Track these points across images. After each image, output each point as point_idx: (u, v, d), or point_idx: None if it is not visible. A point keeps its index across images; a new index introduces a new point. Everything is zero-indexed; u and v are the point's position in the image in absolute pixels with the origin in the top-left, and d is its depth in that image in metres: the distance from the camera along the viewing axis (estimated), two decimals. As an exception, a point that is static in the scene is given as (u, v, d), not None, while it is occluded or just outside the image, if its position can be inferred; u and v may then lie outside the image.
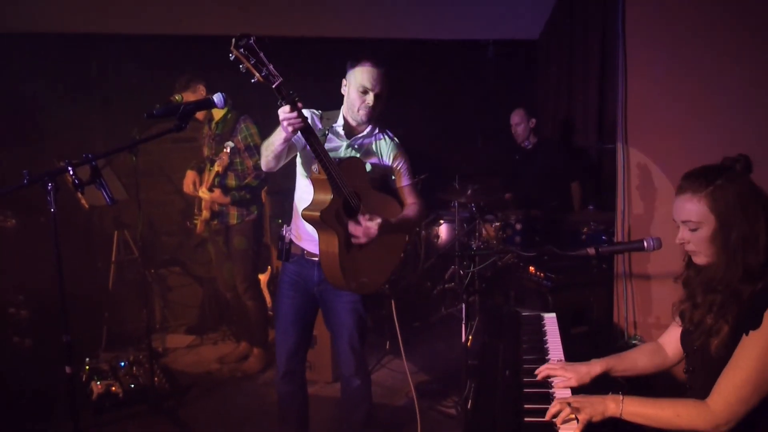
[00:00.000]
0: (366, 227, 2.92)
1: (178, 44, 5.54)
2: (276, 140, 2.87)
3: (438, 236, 5.76)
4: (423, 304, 5.78)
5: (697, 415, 1.94)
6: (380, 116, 3.15)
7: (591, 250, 2.62)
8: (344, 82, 3.10)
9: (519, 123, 5.70)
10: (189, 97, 4.43)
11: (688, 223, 2.05)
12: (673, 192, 3.54)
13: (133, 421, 4.13)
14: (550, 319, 2.99)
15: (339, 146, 3.10)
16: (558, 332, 2.82)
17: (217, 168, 4.40)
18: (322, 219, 2.86)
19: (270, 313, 5.40)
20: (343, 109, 3.13)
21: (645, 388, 2.71)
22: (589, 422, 2.01)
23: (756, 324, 1.89)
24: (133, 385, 4.31)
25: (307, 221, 2.97)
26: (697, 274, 2.15)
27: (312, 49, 5.96)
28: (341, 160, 2.91)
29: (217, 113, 4.62)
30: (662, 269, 3.85)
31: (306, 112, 3.11)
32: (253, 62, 2.59)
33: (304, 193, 3.11)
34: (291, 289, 3.22)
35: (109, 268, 5.42)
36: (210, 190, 4.52)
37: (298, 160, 3.15)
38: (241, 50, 2.57)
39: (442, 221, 5.76)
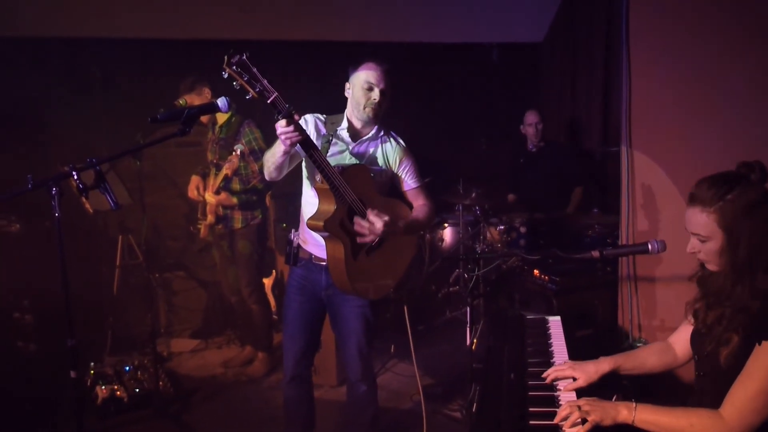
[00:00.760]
0: (372, 222, 2.92)
1: (182, 48, 5.54)
2: (276, 152, 2.88)
3: (442, 239, 5.75)
4: (428, 308, 5.77)
5: (710, 425, 1.93)
6: (384, 119, 3.15)
7: (595, 253, 2.61)
8: (347, 85, 3.10)
9: (533, 123, 5.68)
10: (194, 99, 4.43)
11: (698, 236, 2.04)
12: (677, 194, 3.55)
13: (137, 425, 4.13)
14: (554, 322, 2.98)
15: (344, 150, 3.10)
16: (563, 335, 2.82)
17: (226, 171, 4.41)
18: (326, 229, 2.87)
19: (274, 317, 5.41)
20: (348, 112, 3.13)
21: (650, 393, 2.71)
22: (598, 425, 2.00)
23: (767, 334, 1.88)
24: (137, 390, 4.31)
25: (312, 230, 2.98)
26: (711, 275, 2.14)
27: (315, 53, 5.97)
28: (344, 169, 2.91)
29: (221, 117, 4.63)
30: (667, 272, 3.83)
31: (310, 117, 3.12)
32: (246, 79, 2.59)
33: (310, 197, 3.12)
34: (298, 294, 3.22)
35: (114, 272, 5.42)
36: (216, 193, 4.52)
37: (304, 164, 3.15)
38: (234, 67, 2.58)
39: (446, 224, 5.75)
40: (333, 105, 3.19)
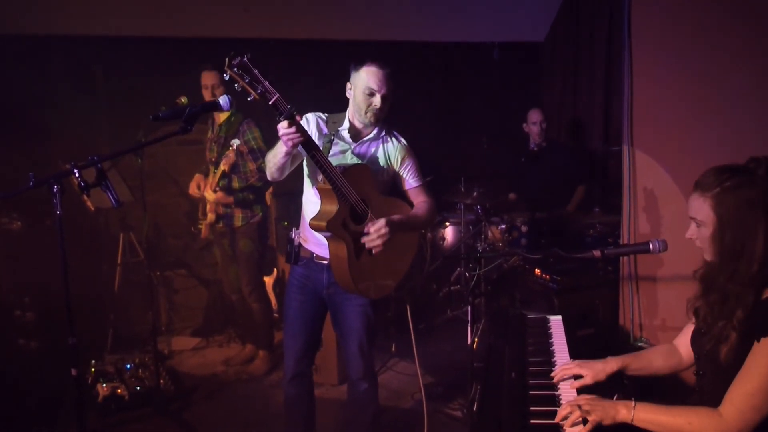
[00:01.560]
0: (377, 229, 2.92)
1: (185, 46, 5.54)
2: (278, 153, 2.88)
3: (444, 238, 5.76)
4: (429, 306, 5.77)
5: (709, 423, 1.93)
6: (386, 118, 3.14)
7: (597, 253, 2.61)
8: (349, 85, 3.09)
9: (538, 121, 5.67)
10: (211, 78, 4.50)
11: (695, 220, 2.06)
12: (678, 194, 3.55)
13: (138, 423, 4.14)
14: (555, 322, 2.99)
15: (345, 150, 3.09)
16: (564, 334, 2.82)
17: (223, 167, 4.42)
18: (329, 229, 2.87)
19: (275, 315, 5.41)
20: (349, 112, 3.12)
21: (650, 392, 2.70)
22: (599, 425, 2.00)
23: (766, 331, 1.88)
24: (138, 388, 4.32)
25: (314, 230, 2.98)
26: (710, 270, 2.14)
27: (317, 52, 5.96)
28: (346, 169, 2.91)
29: (221, 116, 4.64)
30: (668, 271, 3.84)
31: (311, 116, 3.12)
32: (247, 81, 2.60)
33: (311, 196, 3.11)
34: (299, 292, 3.22)
35: (115, 270, 5.43)
36: (214, 190, 4.53)
37: (305, 163, 3.15)
38: (235, 69, 2.59)
39: (447, 223, 5.75)
40: (335, 104, 3.18)
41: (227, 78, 2.61)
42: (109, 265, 5.53)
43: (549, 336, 2.82)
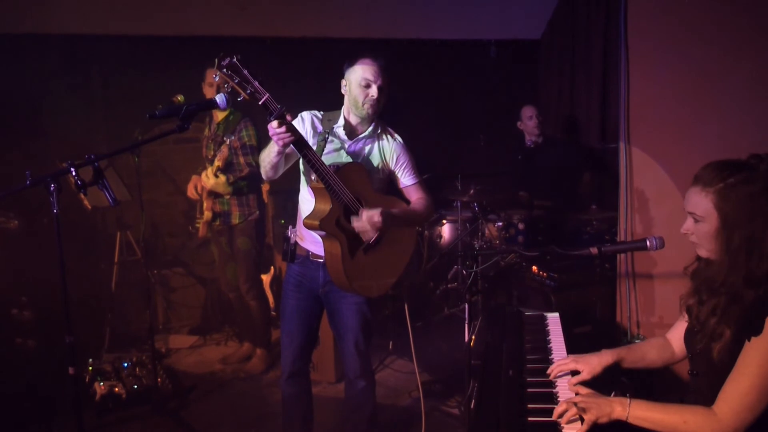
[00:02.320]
0: (369, 217, 2.90)
1: (181, 45, 5.53)
2: (271, 152, 2.89)
3: (441, 236, 5.75)
4: (426, 304, 5.77)
5: (704, 422, 1.93)
6: (382, 115, 3.14)
7: (594, 250, 2.61)
8: (344, 82, 3.09)
9: (532, 115, 5.67)
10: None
11: (694, 215, 2.05)
12: (675, 191, 3.55)
13: (136, 421, 4.14)
14: (553, 319, 2.99)
15: (340, 148, 3.09)
16: (561, 332, 2.82)
17: (217, 163, 4.43)
18: (322, 227, 2.87)
19: (273, 313, 5.41)
20: (344, 110, 3.12)
21: (647, 390, 2.71)
22: (595, 423, 2.00)
23: (758, 330, 1.88)
24: (136, 386, 4.31)
25: (308, 229, 2.98)
26: (705, 267, 2.14)
27: (314, 50, 5.96)
28: (339, 168, 2.91)
29: (219, 114, 4.65)
30: (665, 268, 3.84)
31: (306, 114, 3.12)
32: (237, 81, 2.62)
33: (307, 194, 3.11)
34: (296, 291, 3.22)
35: (112, 269, 5.42)
36: (215, 175, 4.52)
37: (302, 162, 3.15)
38: (224, 70, 2.61)
39: (444, 221, 5.75)
40: (331, 101, 3.18)
41: (217, 79, 2.63)
42: (106, 263, 5.53)
43: (546, 333, 2.82)
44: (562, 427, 2.01)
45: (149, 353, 4.42)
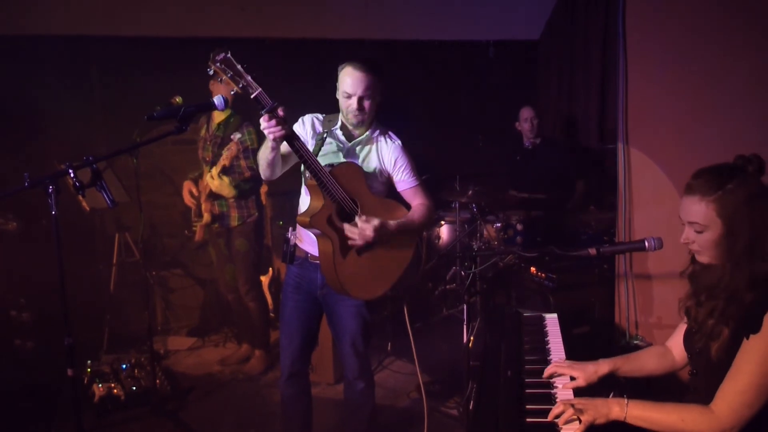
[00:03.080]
0: (362, 229, 2.90)
1: (180, 46, 5.53)
2: (266, 148, 2.89)
3: (439, 237, 5.76)
4: (424, 305, 5.77)
5: (702, 420, 1.93)
6: (380, 118, 3.14)
7: (592, 251, 2.61)
8: (338, 86, 3.10)
9: (529, 117, 5.67)
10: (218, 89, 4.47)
11: (694, 225, 2.03)
12: (674, 192, 3.55)
13: (135, 423, 4.13)
14: (551, 320, 2.99)
15: (338, 150, 3.09)
16: (560, 333, 2.82)
17: (224, 162, 4.43)
18: (312, 224, 2.87)
19: (272, 314, 5.41)
20: (341, 113, 3.13)
21: (645, 390, 2.71)
22: (592, 424, 2.00)
23: (756, 328, 1.88)
24: (134, 388, 4.31)
25: (300, 226, 2.98)
26: (703, 270, 2.14)
27: (312, 51, 5.96)
28: (334, 166, 2.91)
29: (219, 116, 4.64)
30: (664, 269, 3.84)
31: (308, 117, 3.13)
32: (230, 75, 2.65)
33: (305, 195, 3.11)
34: (295, 292, 3.21)
35: (111, 270, 5.42)
36: (219, 176, 4.51)
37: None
38: (218, 64, 2.65)
39: (443, 222, 5.75)
40: (330, 103, 3.17)
41: (211, 72, 2.68)
42: (104, 265, 5.53)
43: (545, 334, 2.82)
44: (560, 429, 2.01)
45: (148, 354, 4.41)
